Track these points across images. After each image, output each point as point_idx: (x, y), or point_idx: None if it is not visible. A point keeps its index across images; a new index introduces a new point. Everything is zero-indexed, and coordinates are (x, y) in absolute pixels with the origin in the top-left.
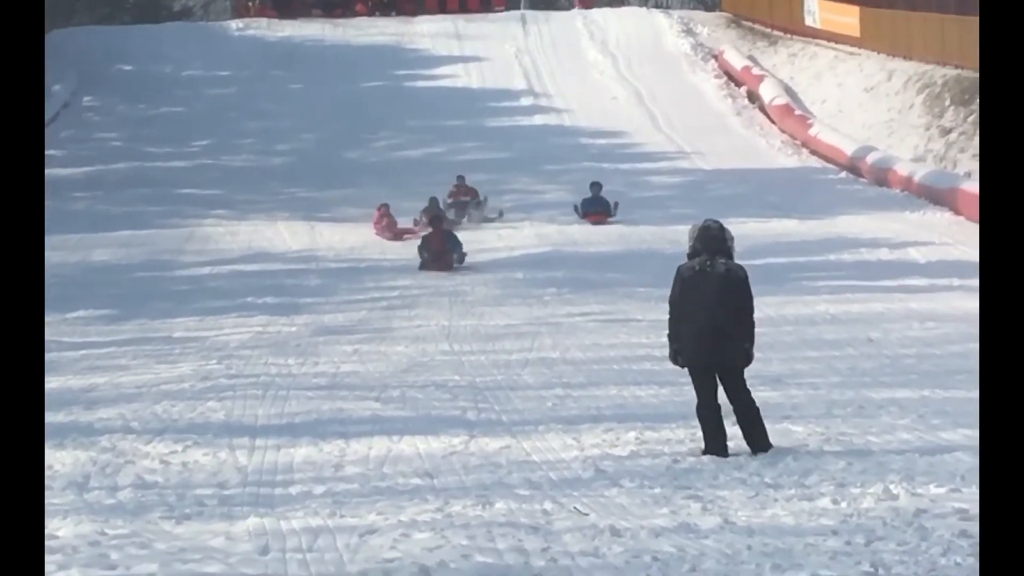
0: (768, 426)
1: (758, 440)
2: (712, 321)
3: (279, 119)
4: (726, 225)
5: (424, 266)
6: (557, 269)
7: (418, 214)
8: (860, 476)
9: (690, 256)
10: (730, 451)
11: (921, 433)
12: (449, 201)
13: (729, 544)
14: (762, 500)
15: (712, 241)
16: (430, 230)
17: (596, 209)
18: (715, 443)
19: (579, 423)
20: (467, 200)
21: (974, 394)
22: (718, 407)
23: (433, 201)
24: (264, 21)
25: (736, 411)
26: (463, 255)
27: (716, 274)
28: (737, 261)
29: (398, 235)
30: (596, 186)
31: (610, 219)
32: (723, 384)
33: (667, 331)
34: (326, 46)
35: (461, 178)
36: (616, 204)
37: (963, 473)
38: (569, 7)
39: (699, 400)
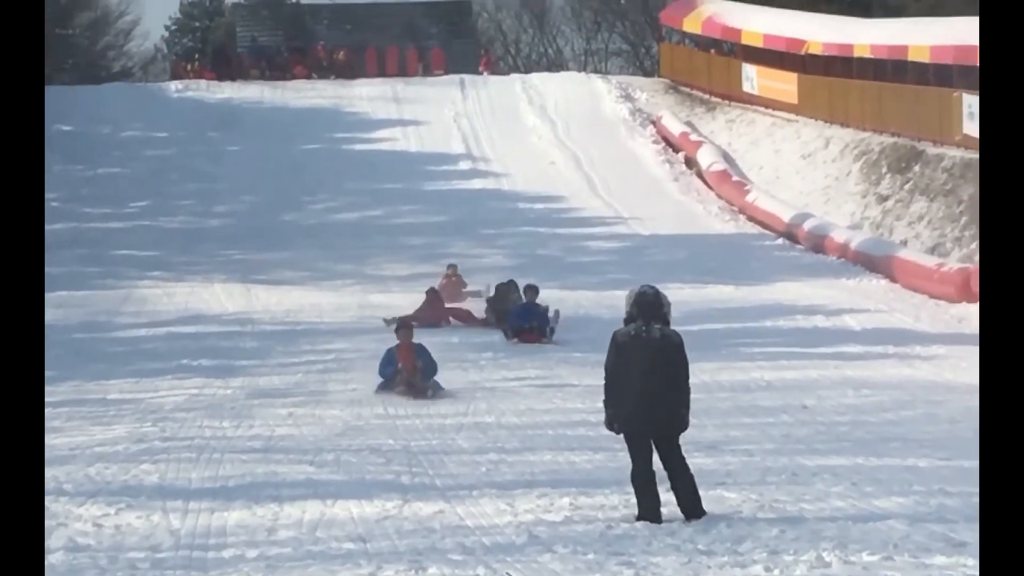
0: (702, 492)
1: (692, 507)
2: (647, 387)
3: (217, 181)
4: (663, 291)
5: (386, 387)
6: (493, 333)
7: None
8: (793, 543)
9: (626, 321)
10: (664, 517)
11: (854, 501)
12: (438, 287)
13: None
14: (695, 567)
15: (648, 307)
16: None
17: (529, 325)
18: (649, 509)
19: (513, 488)
20: (479, 290)
21: (908, 462)
22: (653, 473)
23: (530, 289)
24: (203, 83)
25: (671, 477)
26: (439, 387)
27: (651, 340)
28: (674, 327)
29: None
30: (531, 291)
31: (545, 340)
32: (658, 450)
33: (603, 397)
34: (265, 108)
35: (453, 267)
36: (557, 313)
37: (896, 541)
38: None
39: (634, 466)
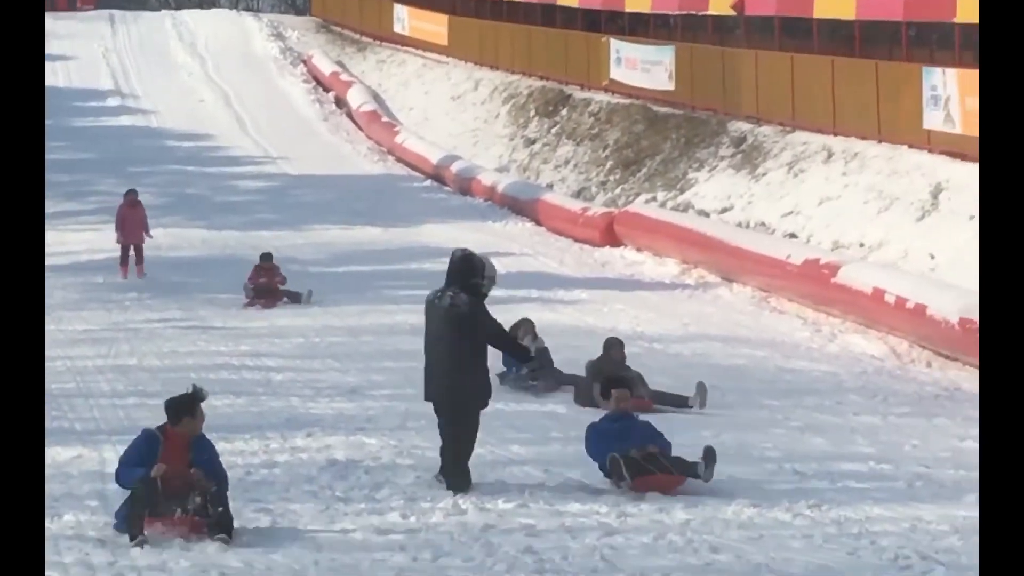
0: (342, 438)
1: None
2: (439, 357)
3: None
4: (487, 258)
5: (127, 518)
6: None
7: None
8: (430, 491)
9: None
10: (301, 463)
11: (493, 447)
12: (251, 286)
13: (296, 559)
14: (331, 514)
15: (454, 272)
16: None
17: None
18: (460, 483)
19: None
20: (299, 293)
21: (547, 408)
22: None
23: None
24: None
25: (461, 442)
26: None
27: (441, 308)
28: (320, 269)
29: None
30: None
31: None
32: (455, 419)
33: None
34: None
35: (268, 256)
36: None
37: (531, 488)
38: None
39: (444, 440)
